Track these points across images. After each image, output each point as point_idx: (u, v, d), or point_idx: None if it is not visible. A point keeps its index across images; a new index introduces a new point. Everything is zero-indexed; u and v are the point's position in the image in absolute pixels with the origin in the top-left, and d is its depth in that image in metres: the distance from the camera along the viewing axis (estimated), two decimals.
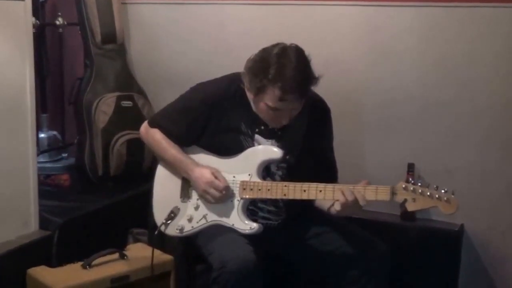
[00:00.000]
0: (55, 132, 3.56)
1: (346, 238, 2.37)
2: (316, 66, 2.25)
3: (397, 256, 2.43)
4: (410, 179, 2.17)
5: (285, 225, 2.45)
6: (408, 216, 2.82)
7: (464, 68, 2.77)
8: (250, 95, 2.31)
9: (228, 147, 2.37)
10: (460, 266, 2.80)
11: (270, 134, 2.37)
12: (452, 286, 2.79)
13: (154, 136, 2.47)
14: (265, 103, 2.23)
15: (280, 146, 2.35)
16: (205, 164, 2.38)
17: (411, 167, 2.82)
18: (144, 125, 2.53)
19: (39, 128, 3.26)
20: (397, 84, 2.91)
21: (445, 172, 2.82)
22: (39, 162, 3.00)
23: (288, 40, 2.28)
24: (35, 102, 2.78)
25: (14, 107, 2.67)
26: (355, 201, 2.14)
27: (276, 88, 2.17)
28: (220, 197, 2.32)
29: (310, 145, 2.40)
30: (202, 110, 2.37)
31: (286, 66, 2.16)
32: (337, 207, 2.20)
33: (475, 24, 2.73)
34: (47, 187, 3.23)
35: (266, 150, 2.34)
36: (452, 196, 2.08)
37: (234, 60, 2.92)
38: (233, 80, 2.37)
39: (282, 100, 2.19)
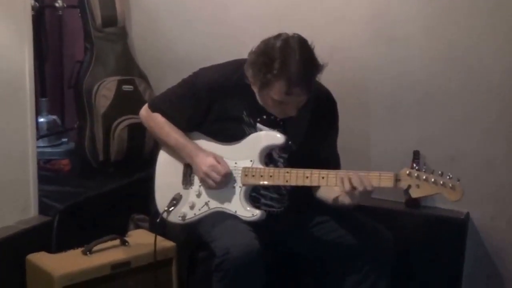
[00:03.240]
0: (54, 117, 3.53)
1: (350, 226, 2.35)
2: (321, 53, 2.22)
3: (402, 244, 2.41)
4: (415, 165, 2.14)
5: (288, 213, 2.43)
6: (412, 203, 2.79)
7: (470, 55, 2.74)
8: (254, 88, 2.28)
9: (230, 135, 2.35)
10: (465, 254, 2.78)
11: (273, 124, 2.34)
12: (456, 274, 2.77)
13: (156, 120, 2.45)
14: (271, 97, 2.20)
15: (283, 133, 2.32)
16: (207, 150, 2.36)
17: (416, 155, 2.79)
18: (145, 108, 2.51)
19: (38, 113, 3.23)
20: (402, 71, 2.87)
21: (450, 160, 2.79)
22: (38, 147, 2.98)
23: (292, 26, 2.24)
24: (34, 86, 2.75)
25: (13, 91, 2.64)
26: (364, 189, 2.11)
27: (281, 83, 2.14)
28: (221, 181, 2.30)
29: (313, 136, 2.37)
30: (204, 97, 2.34)
31: (290, 60, 2.13)
32: (345, 199, 2.17)
33: (482, 11, 2.69)
34: (47, 172, 3.20)
35: (269, 136, 2.32)
36: (457, 182, 2.05)
37: (237, 44, 2.92)
38: (237, 67, 2.34)
39: (288, 94, 2.16)
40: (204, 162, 2.31)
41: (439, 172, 2.08)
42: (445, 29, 2.76)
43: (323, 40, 2.25)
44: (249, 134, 2.34)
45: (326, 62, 2.20)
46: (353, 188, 2.11)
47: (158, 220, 2.36)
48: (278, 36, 2.20)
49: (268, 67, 2.14)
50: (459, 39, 2.75)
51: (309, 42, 2.20)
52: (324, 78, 2.33)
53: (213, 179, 2.30)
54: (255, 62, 2.20)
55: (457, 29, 2.74)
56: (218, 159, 2.32)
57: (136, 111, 3.04)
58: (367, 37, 2.91)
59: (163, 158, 2.49)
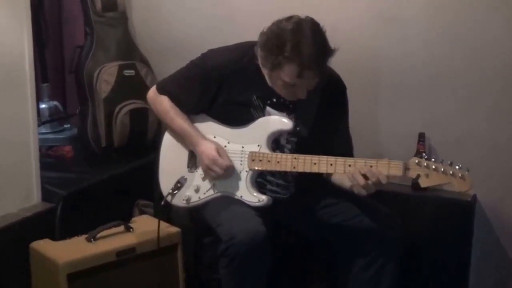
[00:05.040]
0: (56, 103, 3.50)
1: (357, 209, 2.32)
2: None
3: (409, 227, 2.39)
4: (424, 154, 2.12)
5: (294, 199, 2.40)
6: (419, 186, 2.75)
7: (474, 34, 2.70)
8: (264, 70, 2.25)
9: (238, 119, 2.32)
10: (473, 237, 2.76)
11: (282, 107, 2.31)
12: (465, 257, 2.75)
13: (162, 104, 2.42)
14: (282, 79, 2.18)
15: (292, 118, 2.30)
16: (214, 133, 2.34)
17: (421, 137, 2.76)
18: (153, 90, 2.48)
19: (40, 99, 3.21)
20: (405, 52, 2.84)
21: (456, 141, 2.76)
22: (40, 134, 2.97)
23: (293, 7, 2.22)
24: (35, 72, 2.73)
25: (13, 77, 2.61)
26: (377, 181, 2.08)
27: (293, 65, 2.11)
28: (222, 175, 2.28)
29: (323, 121, 2.34)
30: (214, 79, 2.31)
31: (302, 42, 2.10)
32: (360, 191, 2.13)
33: None
34: (49, 159, 3.18)
35: (277, 121, 2.29)
36: (467, 173, 2.03)
37: (239, 26, 2.89)
38: (246, 49, 2.31)
39: (300, 77, 2.13)
40: (206, 154, 2.29)
41: (449, 162, 2.05)
42: (448, 7, 2.72)
43: (325, 21, 2.20)
44: (257, 117, 2.31)
45: (337, 46, 2.17)
46: (366, 179, 2.09)
47: (162, 203, 2.34)
48: (290, 18, 2.16)
49: (280, 49, 2.11)
50: (462, 18, 2.71)
51: (321, 25, 2.17)
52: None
53: (215, 173, 2.28)
54: (266, 44, 2.17)
55: (460, 8, 2.70)
56: (220, 150, 2.29)
57: (138, 96, 3.04)
58: (369, 18, 2.88)
59: (168, 141, 2.46)
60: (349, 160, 2.15)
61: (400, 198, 2.75)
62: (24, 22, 2.62)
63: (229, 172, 2.29)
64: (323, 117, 2.34)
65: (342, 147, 2.38)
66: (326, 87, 2.30)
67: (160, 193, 2.43)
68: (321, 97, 2.32)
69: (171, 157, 2.45)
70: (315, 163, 2.18)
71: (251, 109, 2.31)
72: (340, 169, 2.15)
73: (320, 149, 2.25)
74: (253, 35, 2.26)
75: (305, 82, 2.17)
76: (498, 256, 2.80)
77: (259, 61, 2.24)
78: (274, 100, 2.30)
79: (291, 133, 2.31)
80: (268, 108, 2.31)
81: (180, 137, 2.41)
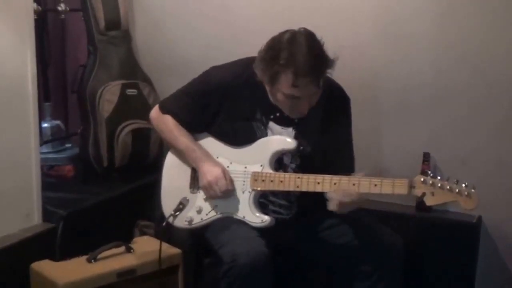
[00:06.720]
0: (58, 122, 3.51)
1: (360, 230, 2.31)
2: (328, 51, 2.18)
3: (413, 248, 2.37)
4: (429, 172, 2.10)
5: (296, 220, 2.39)
6: (423, 207, 2.73)
7: (479, 51, 2.70)
8: (266, 86, 2.24)
9: (240, 135, 2.31)
10: (477, 259, 2.74)
11: (285, 122, 2.30)
12: (469, 280, 2.72)
13: (165, 123, 2.42)
14: (281, 92, 2.17)
15: (295, 134, 2.29)
16: (216, 154, 2.33)
17: (426, 157, 2.74)
18: (155, 110, 2.47)
19: (42, 118, 3.22)
20: (410, 70, 2.84)
21: (461, 161, 2.74)
22: (42, 153, 2.97)
23: (298, 25, 2.22)
24: (38, 91, 2.72)
25: (16, 96, 2.61)
26: (354, 199, 2.10)
27: (288, 73, 2.10)
28: (220, 197, 2.28)
29: (326, 134, 2.33)
30: (215, 95, 2.31)
31: (297, 50, 2.10)
32: (332, 207, 2.14)
33: (490, 6, 2.66)
34: (51, 179, 3.17)
35: (280, 140, 2.28)
36: (473, 190, 2.01)
37: (242, 45, 2.88)
38: (248, 64, 2.29)
39: (296, 86, 2.12)
40: (211, 172, 2.28)
41: (455, 180, 2.04)
42: (453, 25, 2.73)
43: (330, 39, 2.21)
44: (260, 133, 2.30)
45: (336, 57, 2.16)
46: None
47: (164, 224, 2.32)
48: (286, 31, 2.18)
49: (275, 59, 2.12)
50: (467, 35, 2.71)
51: (318, 37, 2.17)
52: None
53: (214, 192, 2.28)
54: (263, 57, 2.18)
55: (465, 25, 2.71)
56: (225, 173, 2.28)
57: (140, 116, 3.03)
58: (374, 36, 2.88)
59: (171, 161, 2.45)
60: (353, 179, 2.13)
61: (404, 219, 2.74)
62: (28, 42, 2.62)
63: (227, 195, 2.28)
64: (327, 130, 2.33)
65: (344, 160, 2.37)
66: (329, 99, 2.30)
67: (162, 214, 2.41)
68: (324, 110, 2.31)
69: (173, 178, 2.43)
70: (318, 183, 2.17)
71: (254, 124, 2.31)
72: (344, 188, 2.13)
73: (324, 163, 2.25)
74: (255, 54, 2.26)
75: (303, 92, 2.15)
76: (503, 278, 2.77)
77: (260, 78, 2.23)
78: (278, 114, 2.30)
79: (294, 152, 2.30)
80: (271, 124, 2.31)
81: (184, 156, 2.39)
